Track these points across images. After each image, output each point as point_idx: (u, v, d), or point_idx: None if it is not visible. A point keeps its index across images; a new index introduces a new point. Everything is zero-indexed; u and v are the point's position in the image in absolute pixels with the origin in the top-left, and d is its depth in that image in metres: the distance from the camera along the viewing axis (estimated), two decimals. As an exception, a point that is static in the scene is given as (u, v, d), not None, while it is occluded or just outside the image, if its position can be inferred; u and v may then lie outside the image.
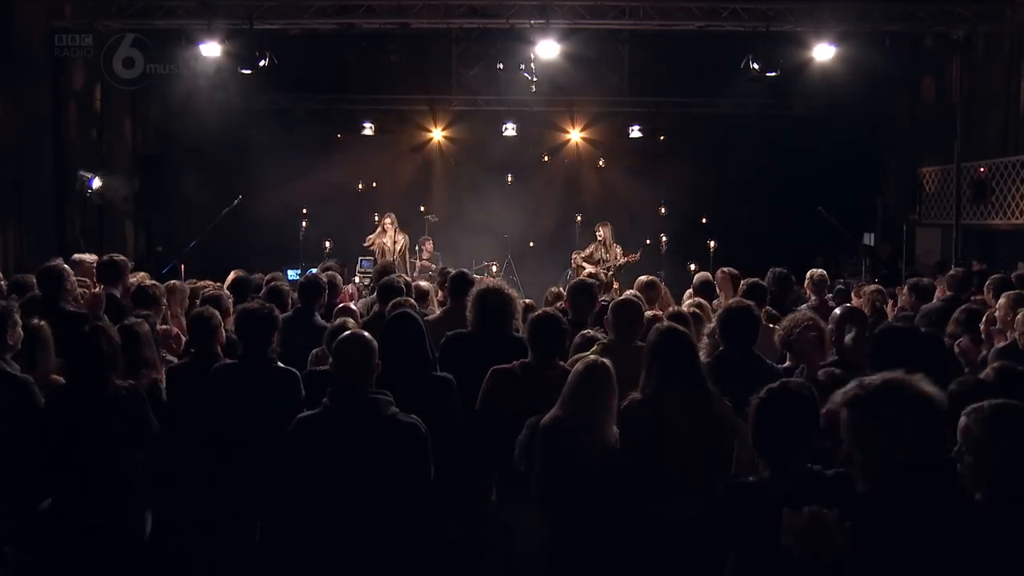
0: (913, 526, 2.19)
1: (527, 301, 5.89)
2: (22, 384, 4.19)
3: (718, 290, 7.08)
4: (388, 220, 12.55)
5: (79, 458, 4.04)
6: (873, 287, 7.23)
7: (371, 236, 12.53)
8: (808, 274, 7.33)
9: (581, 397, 3.71)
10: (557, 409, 3.77)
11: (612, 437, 3.72)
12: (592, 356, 4.00)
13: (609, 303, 5.25)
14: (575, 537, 3.73)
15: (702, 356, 4.30)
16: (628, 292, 6.11)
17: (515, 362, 4.26)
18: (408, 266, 12.14)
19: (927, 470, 2.25)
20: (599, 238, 12.49)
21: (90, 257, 7.34)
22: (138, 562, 4.14)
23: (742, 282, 6.54)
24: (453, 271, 6.25)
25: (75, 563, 4.06)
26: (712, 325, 5.23)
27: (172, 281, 7.09)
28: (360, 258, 12.68)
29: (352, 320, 5.22)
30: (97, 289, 5.35)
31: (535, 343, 4.28)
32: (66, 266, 5.98)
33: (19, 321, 4.39)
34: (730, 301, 5.06)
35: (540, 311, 4.63)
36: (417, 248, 12.81)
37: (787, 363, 4.62)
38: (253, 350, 4.42)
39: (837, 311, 4.86)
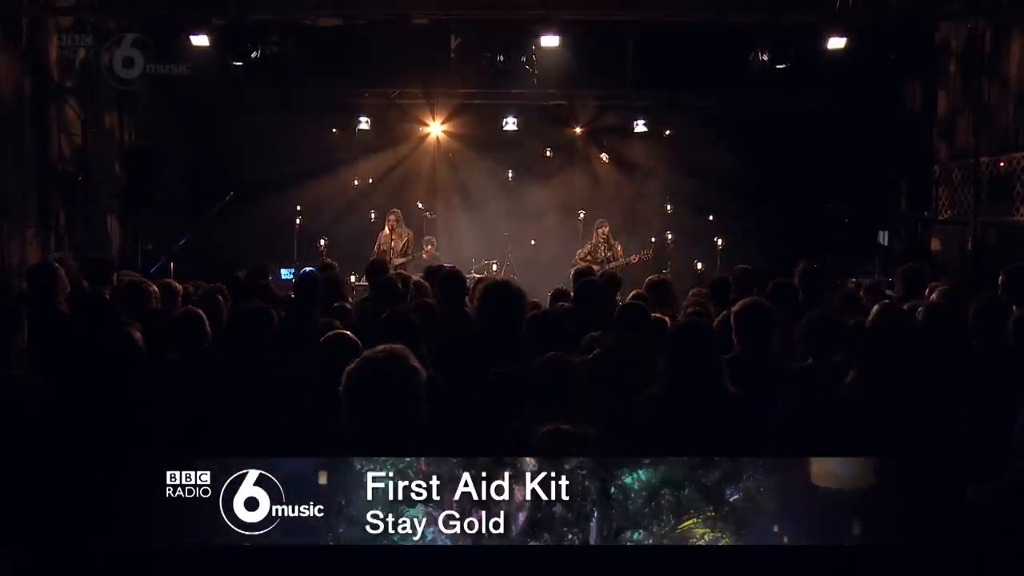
0: None
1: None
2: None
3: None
4: (393, 217, 12.40)
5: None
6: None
7: (382, 234, 12.30)
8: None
9: None
10: None
11: None
12: None
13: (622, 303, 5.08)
14: None
15: None
16: (633, 292, 5.95)
17: None
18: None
19: None
20: (601, 236, 12.23)
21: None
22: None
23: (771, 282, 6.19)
24: (446, 267, 6.01)
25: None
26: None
27: (167, 280, 6.89)
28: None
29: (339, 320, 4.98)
30: None
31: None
32: (58, 264, 5.75)
33: (25, 322, 4.35)
34: (746, 299, 4.75)
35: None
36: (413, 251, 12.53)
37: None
38: (248, 350, 4.35)
39: None
